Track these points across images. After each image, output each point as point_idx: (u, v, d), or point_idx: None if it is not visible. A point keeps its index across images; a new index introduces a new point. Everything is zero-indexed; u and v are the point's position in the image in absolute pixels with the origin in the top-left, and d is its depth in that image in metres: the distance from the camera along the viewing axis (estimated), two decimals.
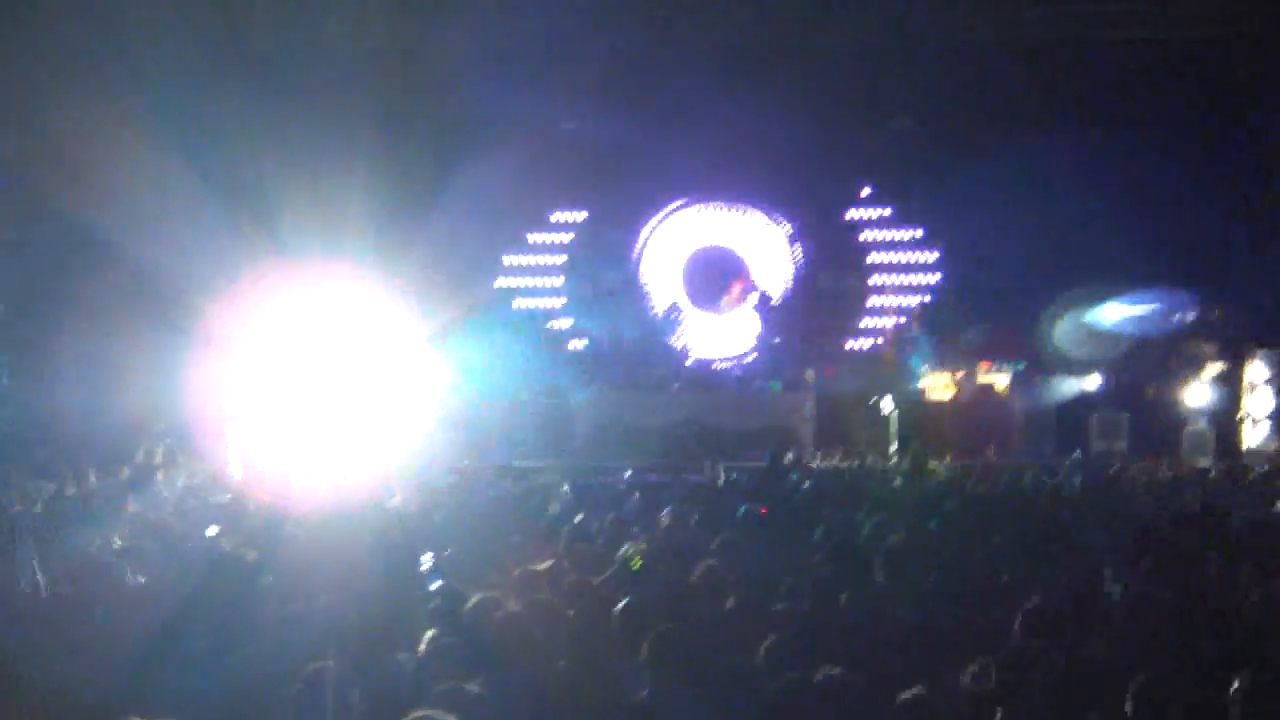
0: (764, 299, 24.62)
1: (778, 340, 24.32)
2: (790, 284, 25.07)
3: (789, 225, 25.13)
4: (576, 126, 23.87)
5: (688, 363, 24.51)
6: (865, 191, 25.02)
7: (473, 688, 6.58)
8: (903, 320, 24.59)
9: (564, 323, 25.40)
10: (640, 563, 10.83)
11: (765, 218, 25.22)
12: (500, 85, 22.16)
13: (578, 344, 25.14)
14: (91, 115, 19.04)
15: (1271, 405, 20.94)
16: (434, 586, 10.53)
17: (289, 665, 7.22)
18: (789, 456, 18.73)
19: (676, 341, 24.82)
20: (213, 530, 12.70)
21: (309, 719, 6.66)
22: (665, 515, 12.85)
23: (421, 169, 22.66)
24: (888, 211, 24.95)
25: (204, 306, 20.39)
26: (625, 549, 12.05)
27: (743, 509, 12.75)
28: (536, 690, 7.12)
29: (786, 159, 24.14)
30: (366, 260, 21.15)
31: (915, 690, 6.47)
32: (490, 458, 19.76)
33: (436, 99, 22.62)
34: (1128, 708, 6.39)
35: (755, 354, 24.49)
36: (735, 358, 24.71)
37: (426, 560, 11.58)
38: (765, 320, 24.41)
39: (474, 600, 8.37)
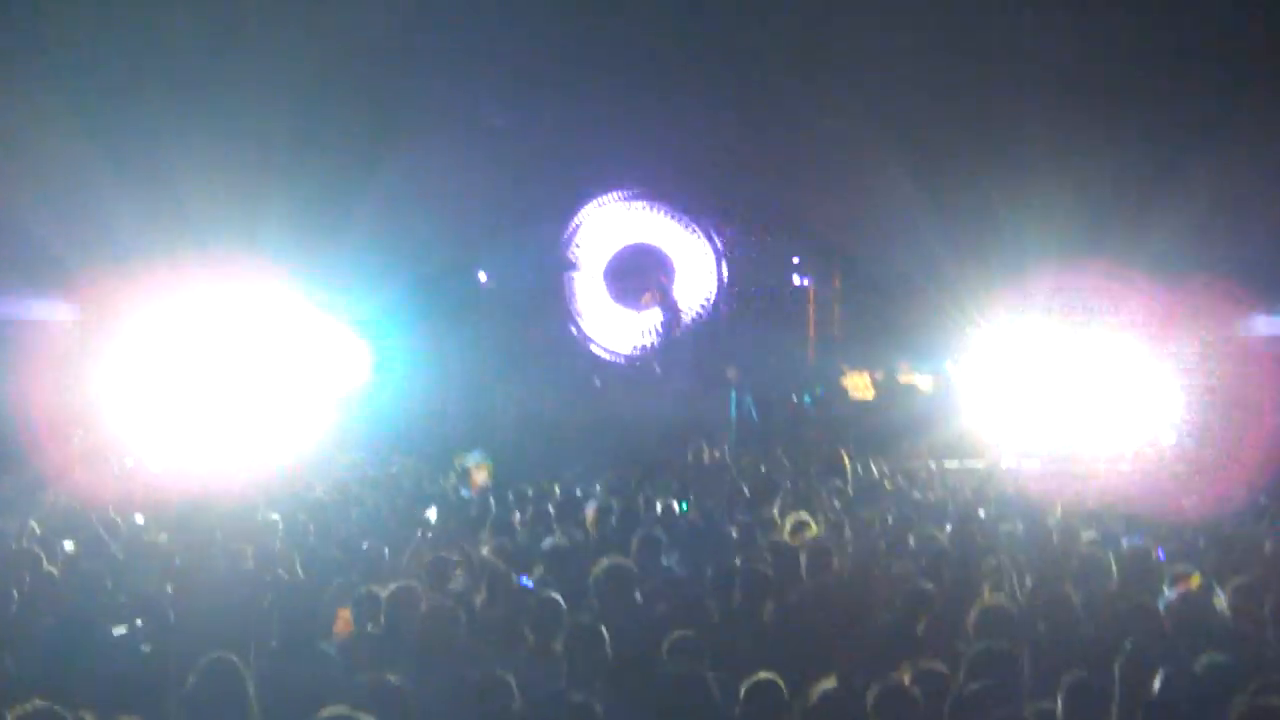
0: (675, 302, 24.71)
1: (699, 337, 24.48)
2: (715, 283, 25.09)
3: (716, 235, 25.14)
4: (503, 120, 23.83)
5: (609, 358, 24.53)
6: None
7: (393, 679, 6.60)
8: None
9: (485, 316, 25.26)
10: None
11: (687, 217, 25.23)
12: (431, 77, 22.09)
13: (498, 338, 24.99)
14: None
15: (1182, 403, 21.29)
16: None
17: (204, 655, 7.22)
18: (714, 454, 18.85)
19: (599, 338, 24.82)
20: (139, 519, 12.65)
21: (205, 710, 6.64)
22: (588, 511, 12.93)
23: (343, 161, 22.39)
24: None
25: (120, 295, 20.20)
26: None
27: (663, 508, 12.85)
28: (453, 680, 7.15)
29: (710, 163, 24.17)
30: (286, 251, 21.04)
31: (829, 684, 6.55)
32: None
33: (364, 91, 22.39)
34: (1059, 707, 6.51)
35: (676, 351, 24.58)
36: (655, 354, 24.75)
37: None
38: (673, 319, 24.52)
39: (390, 589, 8.40)
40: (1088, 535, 11.25)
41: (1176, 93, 20.46)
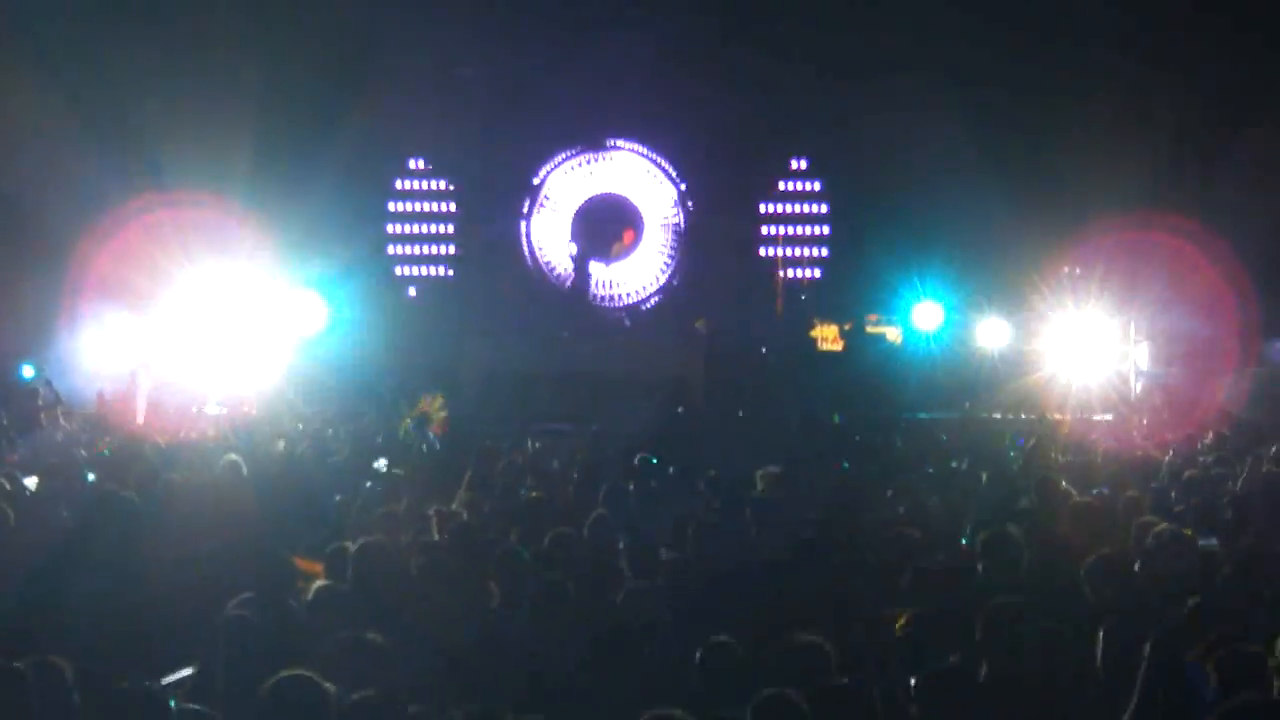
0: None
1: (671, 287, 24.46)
2: (681, 233, 24.93)
3: (678, 173, 24.96)
4: (472, 71, 23.75)
5: (578, 310, 24.41)
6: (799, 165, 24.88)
7: (374, 637, 6.58)
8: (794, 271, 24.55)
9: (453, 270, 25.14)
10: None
11: (654, 166, 25.03)
12: (396, 28, 22.00)
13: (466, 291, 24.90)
14: None
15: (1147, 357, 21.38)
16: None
17: (178, 610, 7.18)
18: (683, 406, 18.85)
19: (567, 289, 24.68)
20: (91, 476, 12.55)
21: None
22: (555, 465, 12.92)
23: (308, 110, 22.27)
24: (803, 164, 24.84)
25: (80, 243, 20.05)
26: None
27: (638, 458, 12.82)
28: (423, 635, 7.15)
29: (680, 105, 24.06)
30: (250, 203, 20.94)
31: (812, 637, 6.54)
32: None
33: (327, 39, 22.19)
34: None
35: (646, 302, 24.55)
36: (625, 305, 24.70)
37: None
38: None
39: (359, 544, 8.36)
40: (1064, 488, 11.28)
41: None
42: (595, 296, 24.59)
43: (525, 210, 25.00)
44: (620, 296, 24.82)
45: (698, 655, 6.56)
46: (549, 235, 25.00)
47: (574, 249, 24.19)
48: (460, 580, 8.07)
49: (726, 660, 6.55)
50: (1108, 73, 21.36)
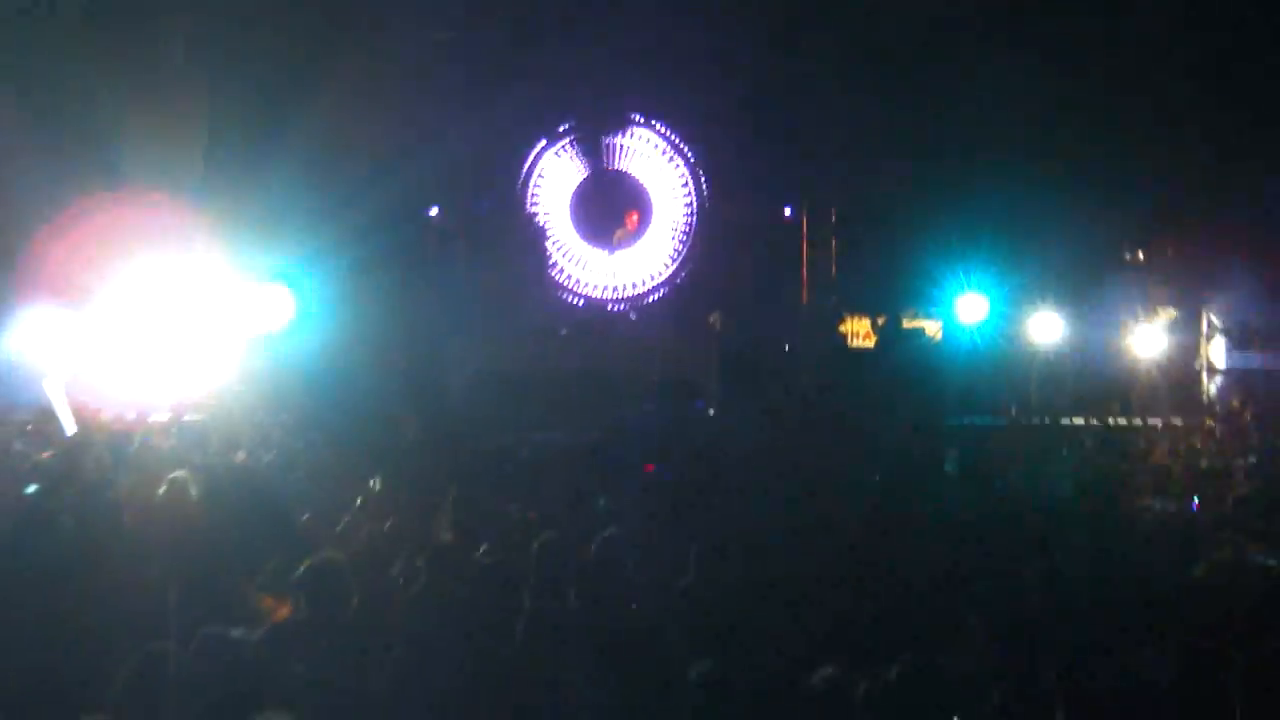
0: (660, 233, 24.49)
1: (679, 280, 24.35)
2: (692, 217, 24.82)
3: (689, 150, 24.85)
4: (455, 36, 23.67)
5: (577, 304, 24.34)
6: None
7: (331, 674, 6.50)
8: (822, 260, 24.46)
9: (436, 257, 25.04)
10: None
11: (663, 142, 24.90)
12: None
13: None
14: None
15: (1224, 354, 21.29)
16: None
17: (118, 642, 7.10)
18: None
19: (565, 281, 24.58)
20: (31, 488, 12.45)
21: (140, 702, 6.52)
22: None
23: (277, 84, 22.23)
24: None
25: (33, 238, 20.07)
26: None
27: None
28: (406, 666, 7.13)
29: (688, 79, 24.01)
30: (210, 192, 20.90)
31: (828, 671, 6.51)
32: None
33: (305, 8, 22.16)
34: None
35: (654, 294, 24.45)
36: (630, 298, 24.61)
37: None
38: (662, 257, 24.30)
39: (308, 565, 8.27)
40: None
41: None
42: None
43: (520, 193, 24.87)
44: (624, 288, 24.70)
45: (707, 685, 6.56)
46: (544, 220, 24.89)
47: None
48: (444, 604, 8.03)
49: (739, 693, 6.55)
50: (1176, 41, 21.27)
